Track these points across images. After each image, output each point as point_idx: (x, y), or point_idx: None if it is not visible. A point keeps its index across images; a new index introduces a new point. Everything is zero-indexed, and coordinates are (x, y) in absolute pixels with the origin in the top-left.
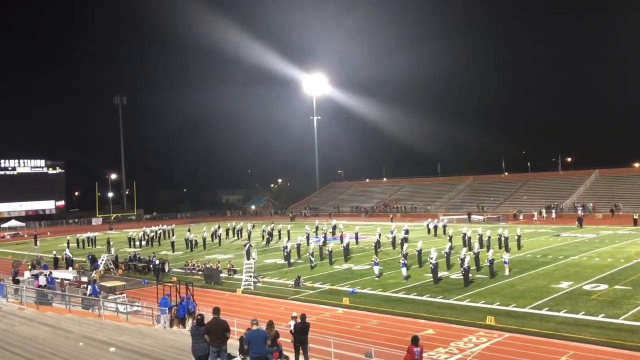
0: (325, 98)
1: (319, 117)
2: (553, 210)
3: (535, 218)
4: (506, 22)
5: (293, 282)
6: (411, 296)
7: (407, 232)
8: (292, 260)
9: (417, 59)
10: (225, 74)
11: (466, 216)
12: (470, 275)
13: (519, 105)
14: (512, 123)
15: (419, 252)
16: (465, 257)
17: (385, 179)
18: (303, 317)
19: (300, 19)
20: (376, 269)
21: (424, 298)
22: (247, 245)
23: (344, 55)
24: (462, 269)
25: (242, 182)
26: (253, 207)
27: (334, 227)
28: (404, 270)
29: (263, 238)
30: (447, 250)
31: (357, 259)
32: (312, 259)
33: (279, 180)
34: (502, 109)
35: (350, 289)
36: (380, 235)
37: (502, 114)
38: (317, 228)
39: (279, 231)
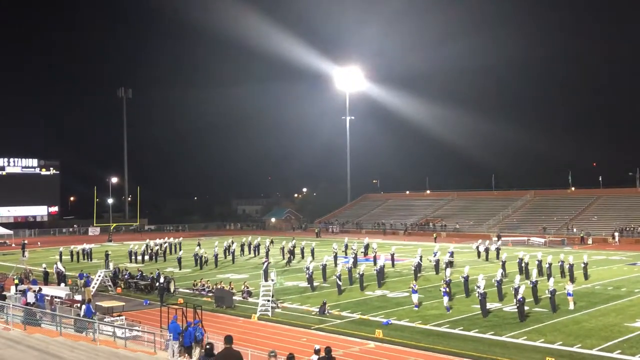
0: (360, 95)
1: (352, 117)
2: (616, 234)
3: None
4: (580, 7)
5: (317, 309)
6: (456, 331)
7: (452, 254)
8: (315, 284)
9: (468, 50)
10: (245, 67)
11: (526, 238)
12: (526, 308)
13: (591, 108)
14: (583, 128)
15: (466, 279)
16: (519, 287)
17: (428, 192)
18: (328, 350)
19: (331, 3)
20: (415, 297)
21: (471, 333)
22: (266, 264)
23: (383, 45)
24: (516, 300)
25: (261, 190)
26: (273, 220)
27: (367, 247)
28: (445, 300)
29: (283, 257)
30: (499, 278)
31: (393, 285)
32: (340, 282)
33: (304, 190)
34: (571, 111)
35: (385, 320)
36: (421, 257)
37: (570, 117)
38: (346, 247)
39: (302, 249)
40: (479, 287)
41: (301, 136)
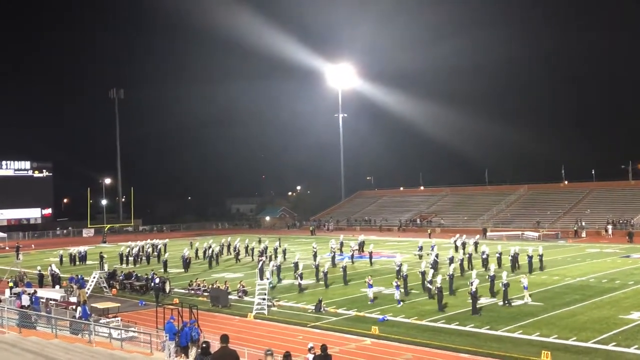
0: (352, 92)
1: (345, 115)
2: (610, 227)
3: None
4: (567, 4)
5: (313, 307)
6: (452, 326)
7: (432, 248)
8: (275, 283)
9: (460, 47)
10: (237, 65)
11: (520, 232)
12: (519, 302)
13: (582, 102)
14: (574, 123)
15: (422, 273)
16: (474, 281)
17: (422, 188)
18: (324, 348)
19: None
20: (370, 292)
21: (467, 328)
22: (261, 263)
23: (375, 42)
24: (469, 294)
25: (255, 189)
26: (268, 218)
27: (361, 244)
28: (397, 294)
29: (252, 258)
30: (450, 272)
31: (388, 282)
32: (301, 281)
33: (298, 188)
34: (562, 106)
35: (380, 317)
36: (437, 255)
37: (562, 111)
38: (341, 244)
39: (275, 249)
40: (431, 281)
41: (294, 134)
